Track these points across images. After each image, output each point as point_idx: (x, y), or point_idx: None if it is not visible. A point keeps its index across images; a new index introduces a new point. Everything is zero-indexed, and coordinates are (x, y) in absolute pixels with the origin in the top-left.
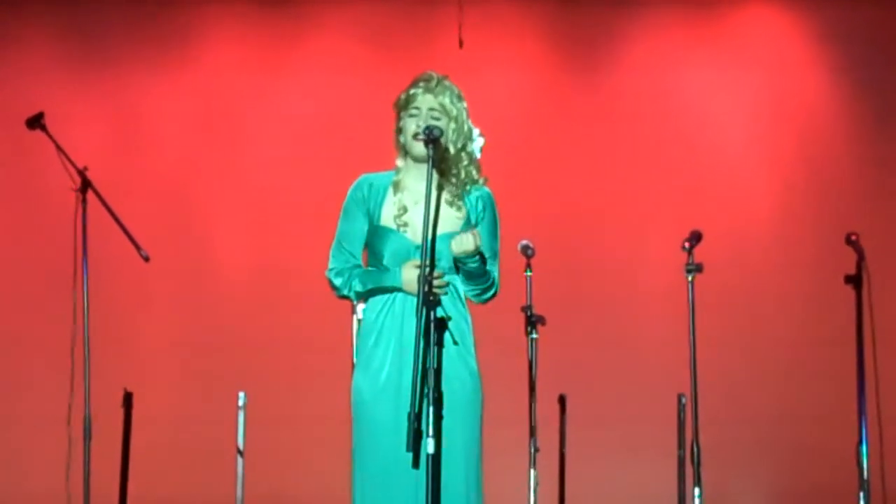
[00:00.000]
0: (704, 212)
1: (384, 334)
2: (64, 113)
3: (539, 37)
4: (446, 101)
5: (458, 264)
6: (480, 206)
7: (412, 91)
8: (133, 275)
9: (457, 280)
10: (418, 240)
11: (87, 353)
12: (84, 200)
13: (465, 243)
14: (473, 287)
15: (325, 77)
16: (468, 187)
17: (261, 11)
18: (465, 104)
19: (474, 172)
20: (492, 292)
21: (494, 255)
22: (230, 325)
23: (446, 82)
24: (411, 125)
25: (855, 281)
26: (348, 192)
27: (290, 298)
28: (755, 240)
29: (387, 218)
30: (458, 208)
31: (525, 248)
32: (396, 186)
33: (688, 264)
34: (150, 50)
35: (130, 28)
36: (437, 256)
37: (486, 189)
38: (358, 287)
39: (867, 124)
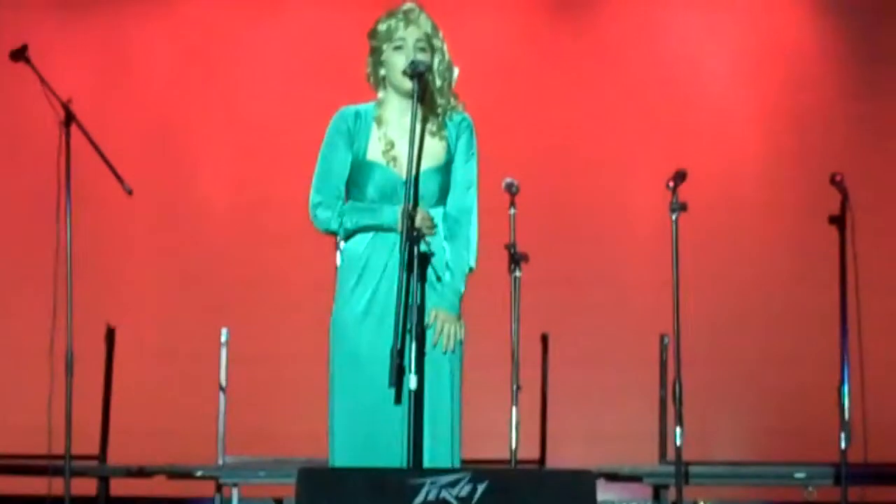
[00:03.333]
0: (690, 152)
1: (368, 269)
2: (48, 46)
3: None
4: (430, 31)
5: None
6: (458, 131)
7: (392, 22)
8: (116, 209)
9: (439, 215)
10: (412, 173)
11: (70, 287)
12: (68, 133)
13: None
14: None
15: (312, 12)
16: (449, 114)
17: None
18: (442, 34)
19: (454, 101)
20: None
21: (469, 184)
22: (214, 260)
23: (424, 13)
24: (398, 59)
25: (839, 221)
26: (331, 124)
27: (275, 234)
28: (740, 180)
29: (373, 152)
30: (442, 138)
31: (509, 186)
32: (380, 120)
33: (672, 203)
34: None
35: None
36: (421, 192)
37: (465, 115)
38: (349, 224)
39: (852, 65)
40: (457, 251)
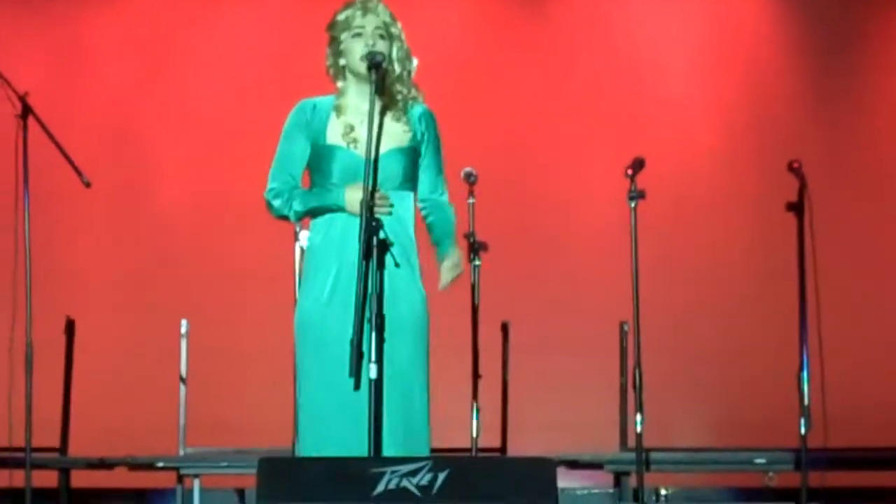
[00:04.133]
0: (648, 142)
1: (328, 257)
2: (4, 39)
3: None
4: (388, 20)
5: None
6: (423, 124)
7: (350, 11)
8: (75, 202)
9: (402, 199)
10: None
11: (28, 280)
12: (25, 127)
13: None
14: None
15: (268, 6)
16: (409, 104)
17: None
18: (399, 24)
19: (414, 90)
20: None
21: (439, 171)
22: (173, 252)
23: (382, 3)
24: (357, 46)
25: (797, 208)
26: (289, 116)
27: (233, 226)
28: (699, 168)
29: (333, 136)
30: (405, 123)
31: (468, 175)
32: (339, 109)
33: (630, 191)
34: None
35: None
36: (384, 173)
37: (426, 106)
38: (298, 206)
39: (809, 54)
40: (448, 219)
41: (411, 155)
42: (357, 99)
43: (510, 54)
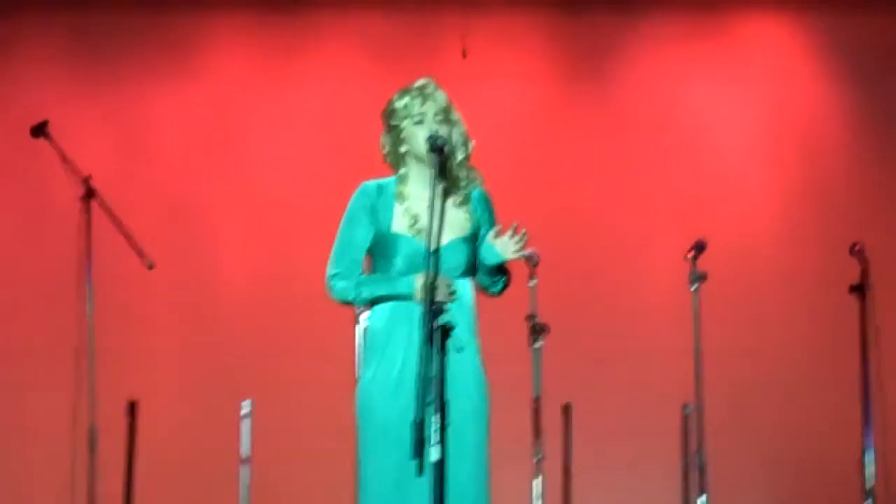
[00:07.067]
0: (708, 222)
1: (392, 341)
2: (68, 122)
3: (543, 47)
4: (446, 105)
5: (488, 263)
6: (481, 208)
7: (408, 99)
8: (137, 283)
9: (464, 285)
10: (433, 245)
11: (91, 362)
12: (88, 209)
13: (511, 245)
14: (499, 278)
15: (327, 87)
16: (469, 188)
17: (264, 22)
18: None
19: (473, 173)
20: (509, 282)
21: None
22: (234, 333)
23: (439, 88)
24: (420, 132)
25: (859, 290)
26: (352, 199)
27: (294, 307)
28: (758, 250)
29: (398, 225)
30: (466, 211)
31: (529, 258)
32: (402, 196)
33: (691, 274)
34: (154, 59)
35: (135, 37)
36: (448, 263)
37: (482, 189)
38: (366, 293)
39: (868, 134)
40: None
41: (472, 242)
42: (420, 186)
43: (569, 134)
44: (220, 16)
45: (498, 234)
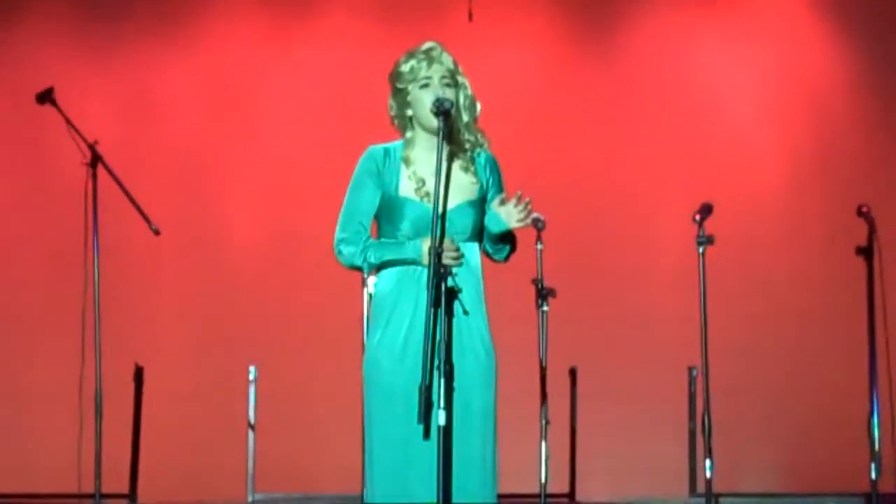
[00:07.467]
0: (715, 184)
1: (399, 305)
2: (74, 88)
3: (549, 9)
4: (453, 67)
5: (493, 231)
6: (488, 171)
7: (414, 62)
8: (143, 249)
9: (471, 248)
10: (440, 208)
11: (97, 327)
12: (94, 175)
13: (515, 213)
14: (503, 246)
15: (334, 50)
16: (476, 151)
17: None
18: (462, 70)
19: (481, 137)
20: (514, 248)
21: None
22: (240, 298)
23: (446, 50)
24: (425, 97)
25: (866, 252)
26: (359, 163)
27: (301, 273)
28: (765, 212)
29: (405, 189)
30: (473, 174)
31: (536, 221)
32: (409, 160)
33: (699, 236)
34: (160, 24)
35: (140, 3)
36: (454, 227)
37: (490, 153)
38: (372, 258)
39: (876, 95)
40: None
41: (479, 206)
42: (426, 150)
43: (576, 97)
44: None
45: (503, 202)
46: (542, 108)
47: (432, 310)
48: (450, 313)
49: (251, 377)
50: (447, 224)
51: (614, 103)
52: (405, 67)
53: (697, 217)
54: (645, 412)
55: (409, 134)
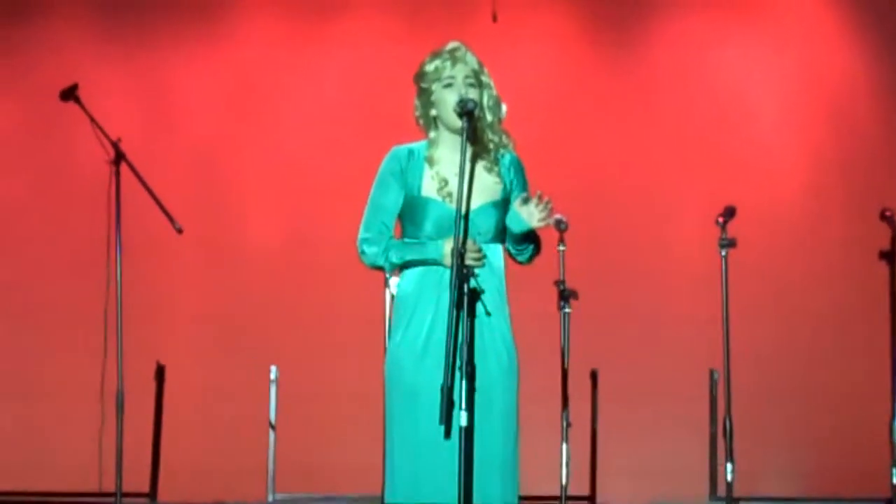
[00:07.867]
0: (737, 187)
1: (421, 306)
2: (98, 85)
3: (573, 12)
4: (478, 67)
5: (515, 231)
6: (513, 172)
7: (439, 62)
8: (166, 247)
9: (494, 250)
10: (463, 209)
11: (119, 325)
12: (117, 172)
13: (536, 213)
14: (526, 246)
15: (358, 50)
16: (500, 152)
17: None
18: (487, 70)
19: (505, 138)
20: (538, 250)
21: None
22: (263, 298)
23: (470, 51)
24: (449, 97)
25: (889, 256)
26: (383, 163)
27: (323, 272)
28: (787, 215)
29: (428, 189)
30: (497, 175)
31: (558, 223)
32: (432, 160)
33: (721, 239)
34: (183, 22)
35: (164, 1)
36: (477, 228)
37: (514, 153)
38: (395, 259)
39: None
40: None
41: (503, 207)
42: (450, 150)
43: (597, 100)
44: None
45: (525, 201)
46: (565, 110)
47: (454, 311)
48: (472, 314)
49: (272, 377)
50: (470, 225)
51: (637, 105)
52: (430, 67)
53: (720, 220)
54: (666, 415)
55: (433, 134)
